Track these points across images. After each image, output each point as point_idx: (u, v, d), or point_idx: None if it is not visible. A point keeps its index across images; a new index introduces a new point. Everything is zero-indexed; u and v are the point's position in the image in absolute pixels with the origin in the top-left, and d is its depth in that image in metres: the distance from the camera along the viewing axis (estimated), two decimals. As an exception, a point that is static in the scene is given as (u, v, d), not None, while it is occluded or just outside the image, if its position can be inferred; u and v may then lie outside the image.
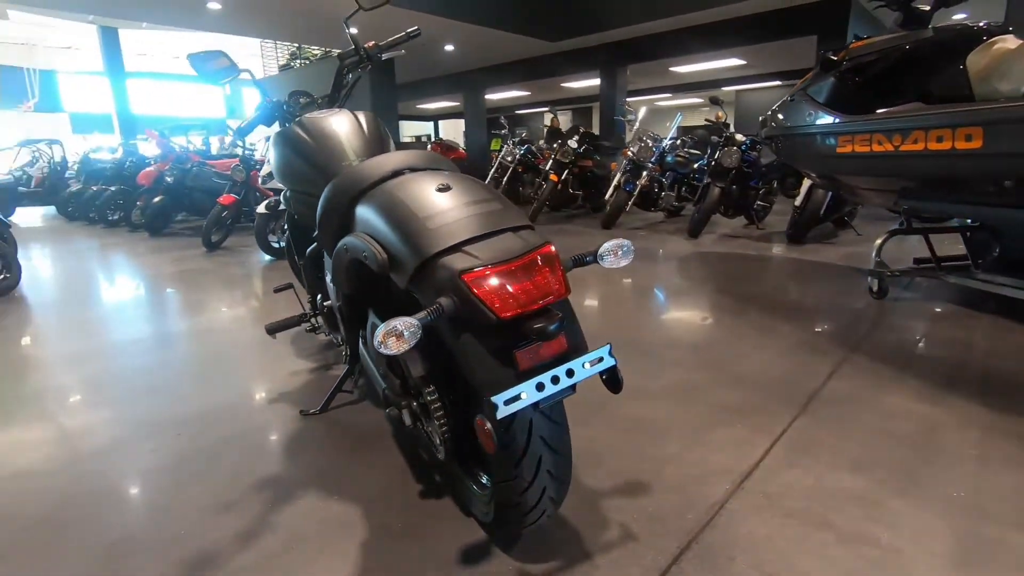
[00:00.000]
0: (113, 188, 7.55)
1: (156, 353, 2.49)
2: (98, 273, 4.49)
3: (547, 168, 6.85)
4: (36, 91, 17.32)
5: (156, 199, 6.45)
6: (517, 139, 7.78)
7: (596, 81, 9.53)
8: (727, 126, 5.76)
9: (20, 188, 10.15)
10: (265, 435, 1.70)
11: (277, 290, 2.20)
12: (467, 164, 9.94)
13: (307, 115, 1.77)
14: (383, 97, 8.89)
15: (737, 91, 13.21)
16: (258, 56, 13.43)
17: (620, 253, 0.97)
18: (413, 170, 1.17)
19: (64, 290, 3.92)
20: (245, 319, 2.99)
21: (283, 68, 12.81)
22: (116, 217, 7.43)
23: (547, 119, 7.83)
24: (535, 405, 0.85)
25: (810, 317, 2.73)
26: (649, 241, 5.27)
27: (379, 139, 1.71)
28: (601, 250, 0.96)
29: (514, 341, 0.84)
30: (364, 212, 1.09)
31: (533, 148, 7.75)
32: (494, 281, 0.83)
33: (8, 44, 16.18)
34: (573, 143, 6.89)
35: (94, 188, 7.91)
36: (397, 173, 1.16)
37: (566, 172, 6.85)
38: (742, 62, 9.99)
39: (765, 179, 5.79)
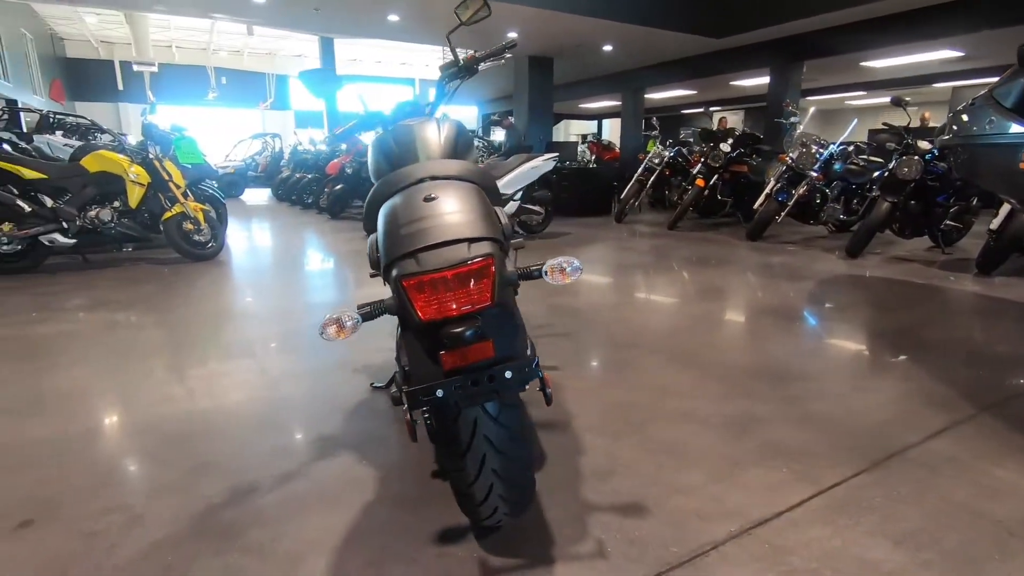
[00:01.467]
0: (310, 176, 8.91)
1: (302, 319, 2.97)
2: (283, 246, 5.39)
3: (695, 172, 6.53)
4: (272, 92, 20.90)
5: (337, 187, 7.49)
6: (670, 141, 7.51)
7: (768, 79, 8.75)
8: (932, 130, 4.92)
9: (249, 173, 12.47)
10: (340, 399, 1.97)
11: (373, 275, 2.49)
12: (619, 165, 9.82)
13: (401, 122, 1.99)
14: (539, 97, 9.16)
15: (954, 88, 11.09)
16: (441, 60, 14.67)
17: (568, 270, 0.98)
18: (435, 178, 1.29)
19: (254, 258, 4.80)
20: (373, 296, 3.40)
21: (460, 70, 13.82)
22: (309, 201, 8.74)
23: (715, 120, 7.40)
24: (455, 404, 0.92)
25: (954, 364, 2.31)
26: (797, 258, 4.78)
27: (452, 145, 1.86)
28: (545, 266, 0.98)
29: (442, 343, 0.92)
30: (380, 214, 1.23)
31: (684, 150, 7.41)
32: (426, 287, 0.91)
33: (254, 54, 19.73)
34: (725, 146, 6.46)
35: (297, 175, 9.41)
36: (421, 181, 1.29)
37: (715, 177, 6.46)
38: (959, 53, 8.36)
39: (960, 195, 4.87)
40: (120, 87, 20.19)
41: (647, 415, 1.85)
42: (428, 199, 1.10)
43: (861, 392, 2.04)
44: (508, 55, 2.56)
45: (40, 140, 7.09)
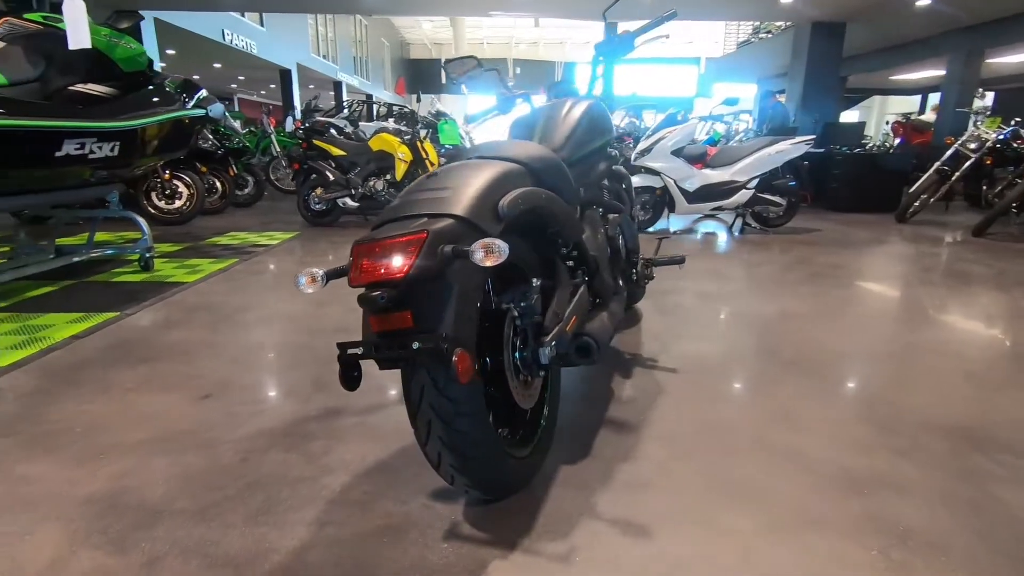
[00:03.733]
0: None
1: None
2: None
3: (1029, 161, 4.83)
4: (559, 77, 22.53)
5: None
6: (1016, 120, 5.67)
7: None
8: None
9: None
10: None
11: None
12: (926, 151, 7.77)
13: (550, 103, 2.06)
14: (820, 71, 7.74)
15: None
16: (721, 40, 13.65)
17: (492, 251, 0.92)
18: (482, 158, 1.33)
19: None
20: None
21: (742, 44, 12.66)
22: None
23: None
24: (379, 361, 0.99)
25: None
26: None
27: (573, 126, 1.84)
28: (474, 245, 0.94)
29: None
30: None
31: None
32: (366, 254, 0.98)
33: (549, 44, 21.41)
34: (1089, 126, 4.59)
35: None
36: (469, 159, 1.35)
37: (1064, 169, 4.67)
38: None
39: None
40: (443, 81, 24.30)
41: (739, 442, 1.58)
42: (431, 176, 1.17)
43: (1118, 495, 1.35)
44: (665, 34, 2.37)
45: (367, 125, 9.12)
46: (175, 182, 5.39)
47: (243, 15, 12.46)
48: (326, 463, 1.46)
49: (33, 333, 2.42)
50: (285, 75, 14.89)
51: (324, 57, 17.03)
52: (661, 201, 5.11)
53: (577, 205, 1.65)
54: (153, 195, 5.40)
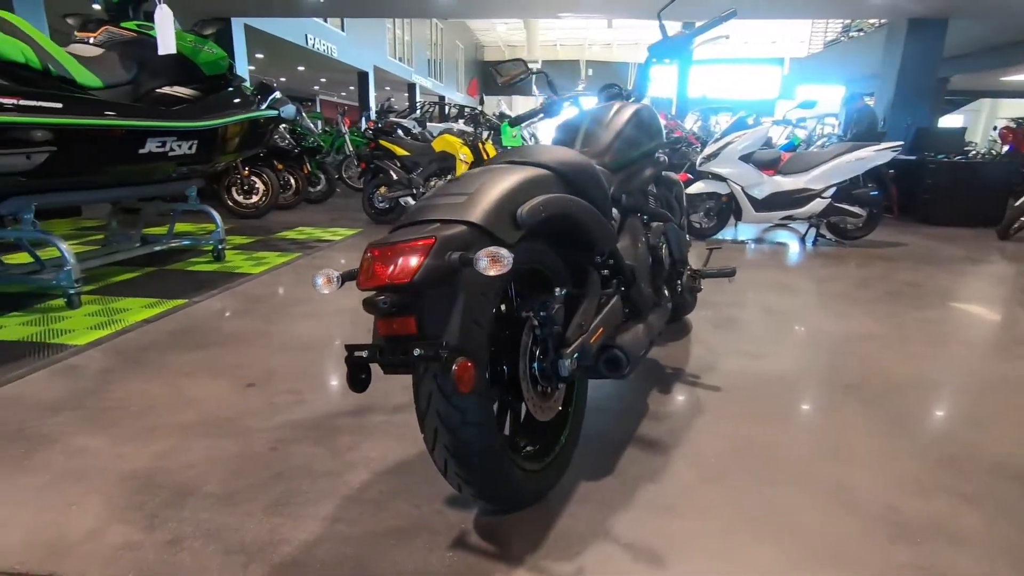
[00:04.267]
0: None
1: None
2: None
3: None
4: (632, 81, 22.16)
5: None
6: None
7: None
8: None
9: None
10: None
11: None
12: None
13: (597, 107, 2.02)
14: (914, 71, 7.09)
15: None
16: (806, 40, 12.89)
17: (496, 259, 0.88)
18: (511, 162, 1.31)
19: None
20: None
21: (830, 44, 11.91)
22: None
23: None
24: (382, 366, 0.98)
25: None
26: None
27: (614, 129, 1.79)
28: (478, 254, 0.91)
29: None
30: None
31: None
32: (375, 257, 0.98)
33: (623, 45, 21.08)
34: None
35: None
36: (502, 164, 1.32)
37: None
38: None
39: None
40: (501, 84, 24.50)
41: (778, 470, 1.47)
42: (452, 181, 1.16)
43: None
44: (725, 34, 2.25)
45: (434, 126, 9.32)
46: (252, 178, 5.73)
47: (325, 20, 13.09)
48: (349, 459, 1.48)
49: (112, 316, 2.63)
50: (363, 77, 15.53)
51: (399, 60, 17.62)
52: (727, 208, 4.88)
53: (611, 212, 1.59)
54: (233, 190, 5.76)
